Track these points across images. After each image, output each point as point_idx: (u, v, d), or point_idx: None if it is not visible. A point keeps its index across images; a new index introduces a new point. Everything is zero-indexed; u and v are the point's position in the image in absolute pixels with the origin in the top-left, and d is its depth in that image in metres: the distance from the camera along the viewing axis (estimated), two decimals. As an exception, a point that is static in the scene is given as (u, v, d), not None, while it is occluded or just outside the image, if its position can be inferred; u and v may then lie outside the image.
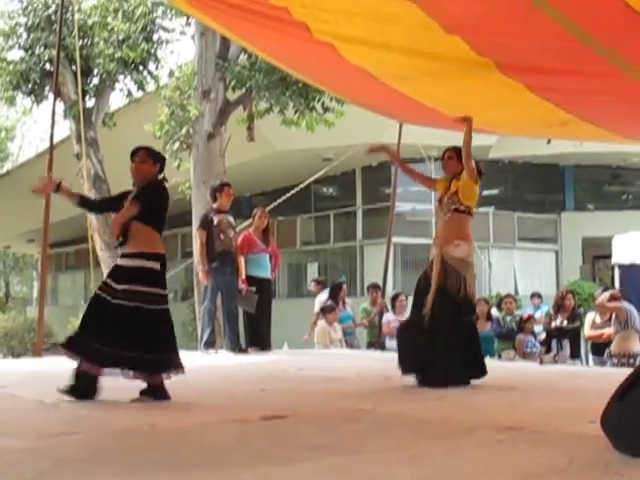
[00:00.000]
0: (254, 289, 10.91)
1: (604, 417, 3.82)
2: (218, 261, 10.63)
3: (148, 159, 6.22)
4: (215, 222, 10.62)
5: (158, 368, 5.92)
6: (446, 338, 6.75)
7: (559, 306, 12.84)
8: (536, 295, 15.90)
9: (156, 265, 6.01)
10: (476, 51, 7.02)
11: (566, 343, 12.57)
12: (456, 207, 6.96)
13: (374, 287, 14.32)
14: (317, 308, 13.79)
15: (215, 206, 10.84)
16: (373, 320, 13.68)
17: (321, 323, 13.09)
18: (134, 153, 6.22)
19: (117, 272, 6.00)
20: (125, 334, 5.79)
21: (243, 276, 10.86)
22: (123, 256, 6.02)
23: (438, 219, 7.19)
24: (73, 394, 5.77)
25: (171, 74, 16.88)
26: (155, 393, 5.87)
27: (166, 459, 3.77)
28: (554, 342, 12.64)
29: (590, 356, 12.77)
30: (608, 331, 11.86)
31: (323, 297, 13.93)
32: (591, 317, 12.20)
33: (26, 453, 3.93)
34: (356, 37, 7.35)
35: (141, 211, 5.98)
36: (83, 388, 5.82)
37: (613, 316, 11.71)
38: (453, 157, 7.06)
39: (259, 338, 11.14)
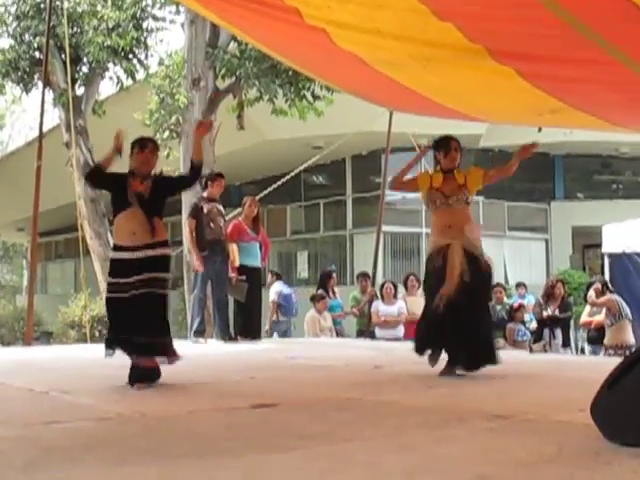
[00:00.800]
0: (244, 278, 10.90)
1: (594, 406, 3.82)
2: (208, 250, 10.62)
3: (156, 152, 6.33)
4: (205, 211, 10.60)
5: (165, 351, 6.11)
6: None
7: (549, 295, 12.88)
8: (521, 285, 15.93)
9: (170, 251, 6.27)
10: (468, 37, 7.00)
11: (558, 332, 12.62)
12: (467, 200, 6.95)
13: (363, 276, 14.35)
14: (272, 298, 14.21)
15: (205, 195, 10.82)
16: (363, 309, 13.70)
17: (311, 312, 13.11)
18: (143, 143, 6.20)
19: (145, 263, 6.01)
20: (147, 319, 5.98)
21: (236, 264, 10.84)
22: (148, 247, 6.02)
23: (440, 209, 6.95)
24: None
25: (161, 62, 16.84)
26: (150, 374, 5.99)
27: (155, 447, 3.76)
28: (546, 331, 12.69)
29: (586, 345, 12.82)
30: (598, 318, 11.95)
31: (277, 288, 14.45)
32: (588, 307, 12.36)
33: (15, 441, 3.92)
34: (348, 22, 7.32)
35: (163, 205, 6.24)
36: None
37: (604, 309, 11.80)
38: (458, 149, 7.00)
39: (249, 327, 11.13)
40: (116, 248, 6.12)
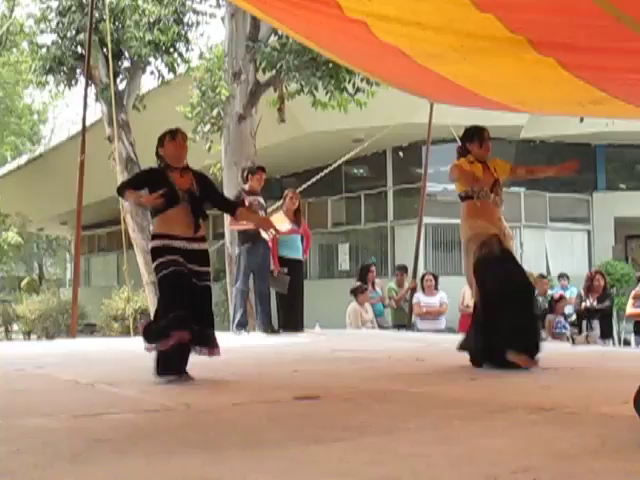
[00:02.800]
0: (286, 270, 10.94)
1: (637, 398, 3.81)
2: (250, 242, 10.67)
3: (186, 140, 6.35)
4: (246, 203, 10.63)
5: (215, 343, 6.21)
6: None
7: (589, 287, 12.82)
8: (564, 276, 15.83)
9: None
10: (509, 28, 6.96)
11: (596, 323, 12.55)
12: (502, 198, 6.92)
13: (400, 269, 14.38)
14: None
15: (246, 188, 10.86)
16: (400, 301, 13.71)
17: (353, 304, 13.13)
18: (173, 132, 6.23)
19: (195, 256, 6.10)
20: (202, 310, 6.10)
21: (276, 257, 10.90)
22: (194, 240, 6.10)
23: (486, 203, 6.83)
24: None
25: (202, 56, 16.90)
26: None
27: (200, 438, 3.80)
28: (584, 322, 12.63)
29: (632, 336, 12.73)
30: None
31: None
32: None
33: (63, 433, 3.98)
34: (389, 15, 7.30)
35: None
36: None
37: None
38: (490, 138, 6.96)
39: (291, 319, 11.18)
40: (166, 236, 6.05)
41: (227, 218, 10.83)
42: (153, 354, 5.97)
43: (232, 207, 7.11)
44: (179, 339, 5.86)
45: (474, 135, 6.90)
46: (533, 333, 6.67)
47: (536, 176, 7.08)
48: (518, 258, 6.80)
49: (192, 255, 6.05)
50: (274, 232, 9.42)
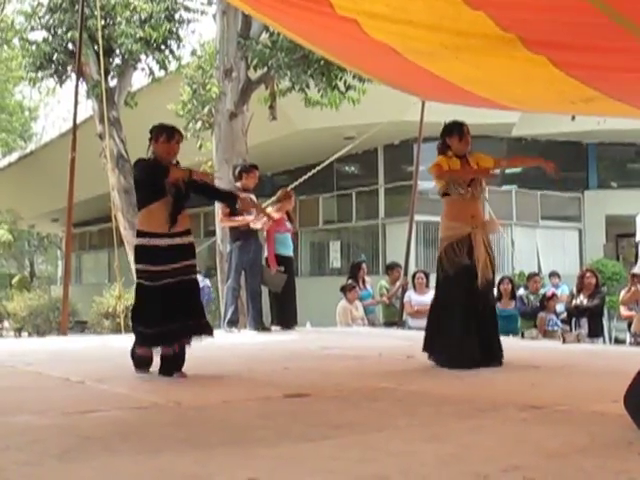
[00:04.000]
0: (283, 269, 10.96)
1: (627, 396, 3.81)
2: (242, 240, 10.65)
3: (181, 142, 6.32)
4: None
5: (210, 330, 6.27)
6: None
7: (580, 285, 12.83)
8: (555, 274, 15.84)
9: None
10: (500, 26, 6.95)
11: (584, 322, 12.54)
12: (483, 187, 6.94)
13: (394, 267, 14.35)
14: None
15: (239, 185, 10.84)
16: (392, 298, 13.70)
17: (342, 302, 13.13)
18: (171, 133, 6.18)
19: (178, 250, 6.11)
20: (189, 303, 6.15)
21: (272, 255, 10.90)
22: (176, 235, 6.10)
23: (466, 198, 6.88)
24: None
25: (193, 53, 16.88)
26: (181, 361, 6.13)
27: (190, 436, 3.79)
28: (574, 320, 12.64)
29: (628, 335, 12.76)
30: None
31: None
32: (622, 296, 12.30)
33: (52, 430, 3.97)
34: (379, 13, 7.29)
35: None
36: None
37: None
38: (469, 133, 6.98)
39: (285, 315, 11.19)
40: (148, 235, 6.08)
41: (218, 215, 10.77)
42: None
43: (230, 197, 7.09)
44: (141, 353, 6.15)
45: (453, 129, 6.94)
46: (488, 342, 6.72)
47: (517, 165, 7.11)
48: (503, 252, 6.80)
49: (175, 250, 6.06)
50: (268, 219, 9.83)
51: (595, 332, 12.51)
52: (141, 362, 6.19)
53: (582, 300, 12.53)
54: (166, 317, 5.96)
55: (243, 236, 10.64)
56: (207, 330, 6.20)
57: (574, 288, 13.11)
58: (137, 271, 6.16)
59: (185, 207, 6.24)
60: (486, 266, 6.67)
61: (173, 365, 6.05)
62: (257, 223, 10.48)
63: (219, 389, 5.54)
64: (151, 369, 6.18)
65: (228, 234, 11.09)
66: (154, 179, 6.10)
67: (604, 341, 12.97)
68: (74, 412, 4.48)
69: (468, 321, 6.59)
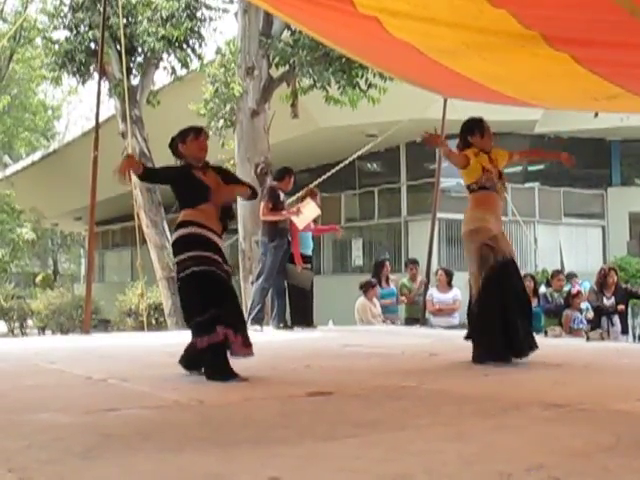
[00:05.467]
0: (309, 266, 11.00)
1: (652, 394, 3.79)
2: (278, 239, 10.66)
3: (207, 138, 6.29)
4: (281, 198, 10.68)
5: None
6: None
7: (602, 283, 12.76)
8: (573, 276, 15.78)
9: None
10: (522, 24, 6.93)
11: (616, 320, 12.50)
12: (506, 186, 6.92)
13: (412, 263, 14.36)
14: None
15: (276, 185, 10.86)
16: (414, 297, 13.68)
17: (361, 299, 13.14)
18: (198, 130, 6.16)
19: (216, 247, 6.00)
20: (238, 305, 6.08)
21: (297, 252, 10.93)
22: (220, 236, 6.04)
23: (494, 194, 6.85)
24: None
25: (218, 51, 16.90)
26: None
27: (212, 434, 3.79)
28: (604, 319, 12.57)
29: None
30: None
31: None
32: None
33: (75, 428, 3.98)
34: (401, 11, 7.28)
35: None
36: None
37: None
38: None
39: (304, 315, 11.19)
40: (199, 225, 5.88)
41: (261, 209, 10.73)
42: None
43: (251, 190, 7.05)
44: (225, 336, 5.75)
45: (474, 127, 6.88)
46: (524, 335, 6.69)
47: (532, 159, 7.06)
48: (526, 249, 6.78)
49: (217, 249, 5.94)
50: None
51: (624, 329, 12.49)
52: (222, 352, 5.83)
53: (609, 299, 12.48)
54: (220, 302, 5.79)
55: (279, 235, 10.65)
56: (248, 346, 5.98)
57: (594, 286, 13.05)
58: (185, 260, 5.86)
59: (232, 210, 6.24)
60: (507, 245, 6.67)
61: (197, 362, 5.99)
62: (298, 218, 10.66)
63: (241, 387, 5.53)
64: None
65: (263, 232, 10.97)
66: (179, 180, 6.06)
67: (634, 339, 12.87)
68: (96, 410, 4.49)
69: (501, 317, 6.56)
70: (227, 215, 6.09)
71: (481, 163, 6.75)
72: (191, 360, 5.97)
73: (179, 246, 5.95)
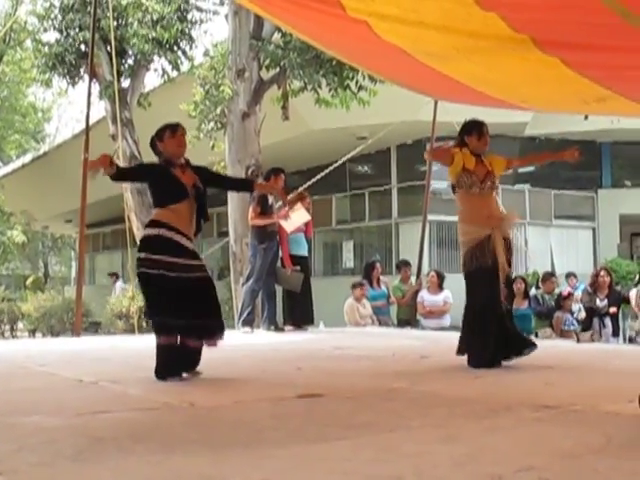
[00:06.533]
0: (299, 268, 10.98)
1: (642, 396, 3.80)
2: (267, 241, 10.67)
3: (185, 134, 6.31)
4: (269, 202, 10.68)
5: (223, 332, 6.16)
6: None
7: (595, 284, 12.80)
8: (572, 275, 15.81)
9: None
10: (512, 27, 6.93)
11: (608, 321, 12.52)
12: (496, 187, 6.92)
13: (404, 264, 14.35)
14: (117, 292, 20.69)
15: None
16: (409, 299, 13.68)
17: (349, 300, 13.14)
18: (174, 127, 6.16)
19: (189, 252, 6.02)
20: (211, 302, 6.11)
21: (287, 254, 10.92)
22: (190, 240, 6.05)
23: (475, 196, 6.86)
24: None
25: (206, 53, 16.89)
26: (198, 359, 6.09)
27: (203, 437, 3.79)
28: (596, 320, 12.59)
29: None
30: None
31: (120, 285, 21.30)
32: (635, 293, 12.17)
33: (65, 431, 3.97)
34: (390, 15, 7.28)
35: None
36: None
37: None
38: (488, 133, 6.96)
39: (302, 315, 11.20)
40: (165, 226, 5.92)
41: (249, 213, 10.74)
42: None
43: (246, 184, 7.05)
44: (167, 342, 5.92)
45: (473, 128, 6.90)
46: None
47: (532, 164, 7.06)
48: (516, 251, 6.77)
49: (187, 251, 5.97)
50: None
51: (616, 332, 12.51)
52: (168, 355, 5.93)
53: (602, 300, 12.51)
54: (183, 310, 5.86)
55: (268, 238, 10.66)
56: (215, 332, 6.06)
57: (588, 287, 13.07)
58: (141, 260, 5.96)
59: (207, 212, 6.23)
60: (506, 266, 6.65)
61: (188, 362, 6.02)
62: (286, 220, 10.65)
63: (232, 390, 5.54)
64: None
65: (252, 235, 11.00)
66: (155, 177, 6.12)
67: (624, 340, 12.89)
68: (87, 413, 4.49)
69: (491, 322, 6.58)
70: (201, 215, 6.11)
71: (464, 162, 6.78)
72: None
73: (143, 244, 6.06)
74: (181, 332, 5.93)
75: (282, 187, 10.36)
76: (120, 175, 6.25)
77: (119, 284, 21.12)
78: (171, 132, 6.13)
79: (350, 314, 13.02)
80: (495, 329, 6.57)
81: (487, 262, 6.62)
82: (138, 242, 6.20)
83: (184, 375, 5.96)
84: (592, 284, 12.89)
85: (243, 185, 7.52)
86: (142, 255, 5.95)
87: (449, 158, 6.88)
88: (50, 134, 42.49)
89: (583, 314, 13.06)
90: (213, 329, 6.04)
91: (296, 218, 10.84)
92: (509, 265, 6.75)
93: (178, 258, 5.88)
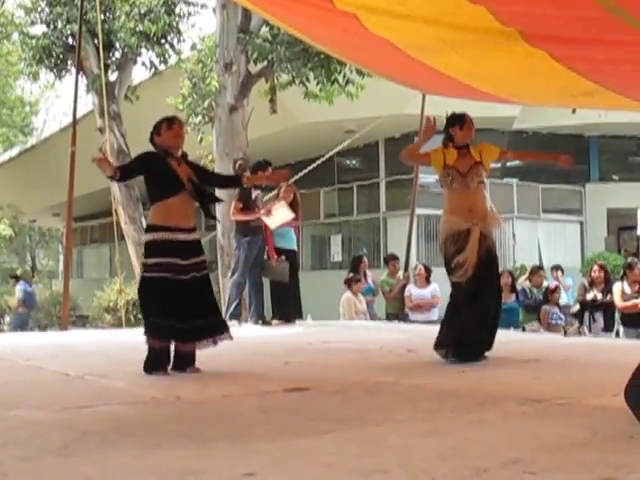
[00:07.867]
0: (284, 257, 10.96)
1: (628, 390, 3.80)
2: (251, 235, 10.66)
3: (183, 126, 6.37)
4: (253, 197, 10.66)
5: (226, 327, 6.32)
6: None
7: (591, 279, 12.79)
8: (557, 268, 15.83)
9: None
10: (500, 21, 6.93)
11: (599, 315, 12.51)
12: (482, 179, 6.90)
13: (393, 258, 14.35)
14: (18, 295, 20.70)
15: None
16: (396, 294, 13.67)
17: (347, 294, 13.12)
18: (170, 119, 6.23)
19: (192, 247, 6.07)
20: (209, 300, 6.19)
21: (271, 246, 10.91)
22: (189, 231, 6.08)
23: (457, 191, 6.85)
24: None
25: (193, 47, 16.87)
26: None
27: (189, 430, 3.79)
28: (586, 314, 12.59)
29: (621, 328, 12.68)
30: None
31: (20, 287, 20.80)
32: (619, 288, 12.10)
33: (51, 425, 3.97)
34: (378, 7, 7.28)
35: None
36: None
37: None
38: (473, 124, 6.95)
39: (285, 310, 11.18)
40: (162, 229, 5.96)
41: (231, 209, 10.73)
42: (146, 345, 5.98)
43: (234, 180, 7.14)
44: (160, 347, 5.97)
45: (455, 120, 6.92)
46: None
47: (527, 160, 7.09)
48: (504, 245, 6.75)
49: (189, 247, 6.02)
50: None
51: (609, 326, 12.48)
52: (160, 356, 5.99)
53: (596, 294, 12.51)
54: (182, 313, 5.90)
55: (252, 232, 10.65)
56: (225, 329, 6.20)
57: (585, 282, 13.06)
58: (146, 266, 6.04)
59: (214, 195, 6.40)
60: (472, 259, 6.60)
61: (185, 361, 6.04)
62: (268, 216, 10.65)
63: (219, 384, 5.53)
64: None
65: (235, 229, 11.04)
66: (151, 168, 6.12)
67: (617, 335, 12.89)
68: (73, 407, 4.48)
69: (469, 314, 6.55)
70: (205, 200, 6.17)
71: (445, 158, 6.80)
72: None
73: (146, 250, 6.11)
74: (177, 338, 5.97)
75: (270, 174, 10.35)
76: (123, 177, 6.33)
77: (19, 287, 20.94)
78: (167, 124, 6.17)
79: (347, 308, 12.99)
80: (480, 320, 6.54)
81: (454, 251, 6.63)
82: (143, 248, 6.20)
83: (187, 370, 6.00)
84: (589, 280, 12.87)
85: (233, 181, 7.58)
86: (151, 261, 5.99)
87: (425, 159, 7.06)
88: (37, 127, 42.40)
89: (577, 307, 13.07)
90: (213, 329, 6.11)
91: (279, 215, 10.81)
92: (482, 264, 6.68)
93: (183, 260, 5.95)
